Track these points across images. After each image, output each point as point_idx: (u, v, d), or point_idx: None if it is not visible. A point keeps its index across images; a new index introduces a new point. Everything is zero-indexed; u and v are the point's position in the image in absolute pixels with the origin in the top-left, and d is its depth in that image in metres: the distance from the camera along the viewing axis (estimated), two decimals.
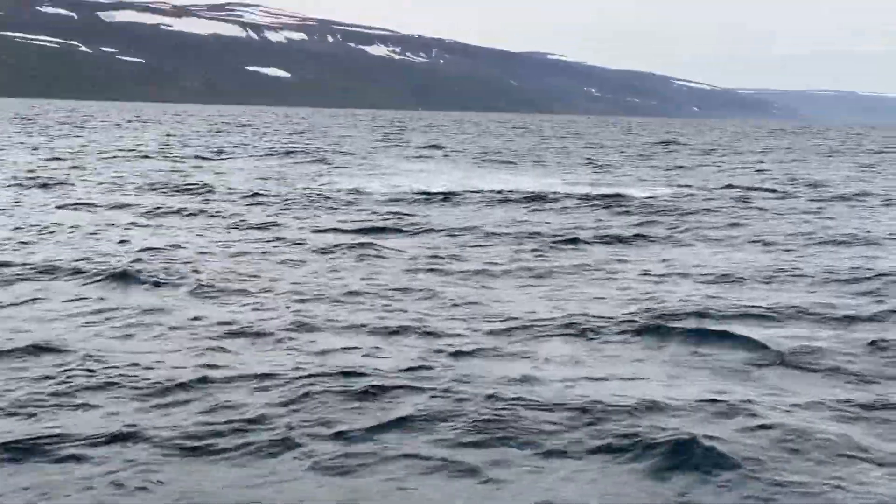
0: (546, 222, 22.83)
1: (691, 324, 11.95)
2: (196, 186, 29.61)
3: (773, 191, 33.24)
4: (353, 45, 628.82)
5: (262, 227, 21.10)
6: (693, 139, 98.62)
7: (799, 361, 10.51)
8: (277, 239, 19.23)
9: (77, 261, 15.86)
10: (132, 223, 21.17)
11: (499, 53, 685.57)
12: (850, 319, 12.62)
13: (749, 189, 33.63)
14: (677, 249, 19.10)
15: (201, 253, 17.13)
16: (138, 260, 15.97)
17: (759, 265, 16.97)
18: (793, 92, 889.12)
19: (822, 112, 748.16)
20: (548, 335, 11.57)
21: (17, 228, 19.85)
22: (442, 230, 21.06)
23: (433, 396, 9.05)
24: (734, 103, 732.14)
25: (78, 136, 63.54)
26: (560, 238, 20.01)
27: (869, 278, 15.60)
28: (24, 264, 15.42)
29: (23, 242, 17.91)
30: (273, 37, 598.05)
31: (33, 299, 13.03)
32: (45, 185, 28.95)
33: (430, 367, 9.97)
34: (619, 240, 20.07)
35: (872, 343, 11.19)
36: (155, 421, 8.35)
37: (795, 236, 21.17)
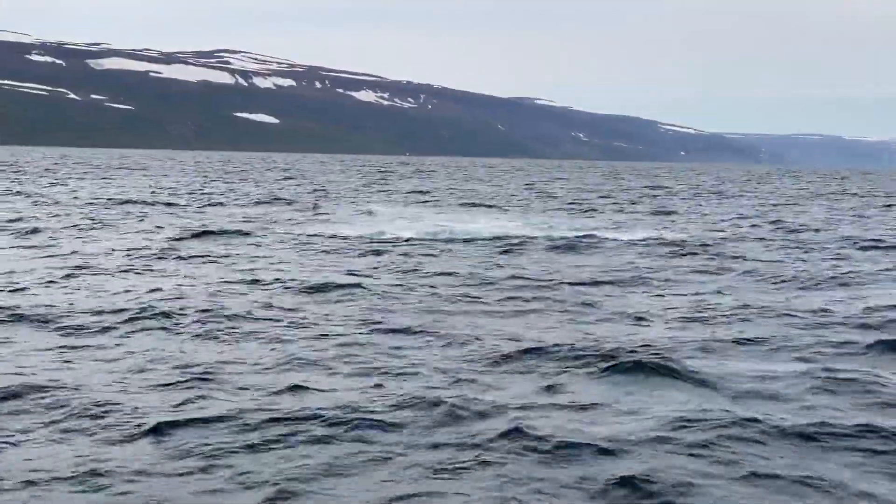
0: (524, 267, 23.13)
1: (656, 362, 12.25)
2: (182, 233, 29.85)
3: (756, 235, 33.64)
4: (341, 90, 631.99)
5: (247, 271, 21.32)
6: (679, 184, 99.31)
7: (757, 398, 10.83)
8: (261, 282, 19.46)
9: (62, 305, 16.08)
10: (117, 267, 21.38)
11: (486, 99, 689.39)
12: (809, 360, 12.98)
13: (730, 233, 34.05)
14: (652, 291, 19.43)
15: (185, 297, 17.35)
16: (124, 303, 16.22)
17: (730, 307, 17.33)
18: (779, 136, 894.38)
19: (809, 156, 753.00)
20: (514, 372, 11.92)
21: (5, 273, 20.07)
22: (424, 273, 21.35)
23: (396, 433, 9.38)
24: (721, 148, 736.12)
25: (66, 184, 63.81)
26: (537, 280, 20.33)
27: (834, 323, 15.97)
28: (14, 307, 15.64)
29: (12, 291, 18.07)
30: (261, 83, 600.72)
31: (19, 342, 13.26)
32: (34, 231, 29.23)
33: (396, 406, 10.25)
34: (595, 282, 20.40)
35: (830, 380, 11.57)
36: (128, 463, 8.60)
37: (768, 280, 21.52)
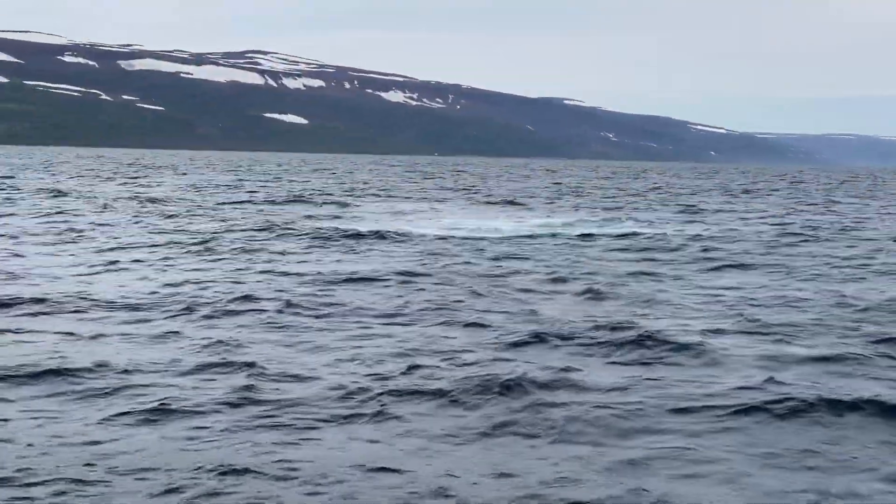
0: (547, 260, 23.27)
1: (668, 344, 12.47)
2: (212, 229, 30.18)
3: (784, 231, 33.62)
4: (370, 91, 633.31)
5: (275, 263, 21.55)
6: (709, 182, 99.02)
7: (773, 382, 10.96)
8: (288, 274, 19.71)
9: (94, 297, 16.40)
10: (141, 261, 21.71)
11: (515, 99, 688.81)
12: (827, 346, 13.08)
13: (757, 229, 34.06)
14: (678, 284, 19.54)
15: (213, 289, 17.61)
16: (156, 294, 16.56)
17: (755, 299, 17.48)
18: (813, 136, 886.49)
19: (843, 155, 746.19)
20: (530, 355, 12.12)
21: (43, 266, 20.44)
22: (448, 267, 21.49)
23: (417, 414, 9.68)
24: (752, 147, 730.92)
25: (100, 183, 64.48)
26: (559, 271, 20.48)
27: (857, 313, 16.07)
28: (50, 298, 15.96)
29: (50, 282, 18.39)
30: (291, 84, 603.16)
31: (49, 331, 13.57)
32: (71, 228, 29.65)
33: (416, 389, 10.52)
34: (620, 274, 20.55)
35: (847, 366, 11.77)
36: (155, 446, 8.87)
37: (796, 275, 21.62)
